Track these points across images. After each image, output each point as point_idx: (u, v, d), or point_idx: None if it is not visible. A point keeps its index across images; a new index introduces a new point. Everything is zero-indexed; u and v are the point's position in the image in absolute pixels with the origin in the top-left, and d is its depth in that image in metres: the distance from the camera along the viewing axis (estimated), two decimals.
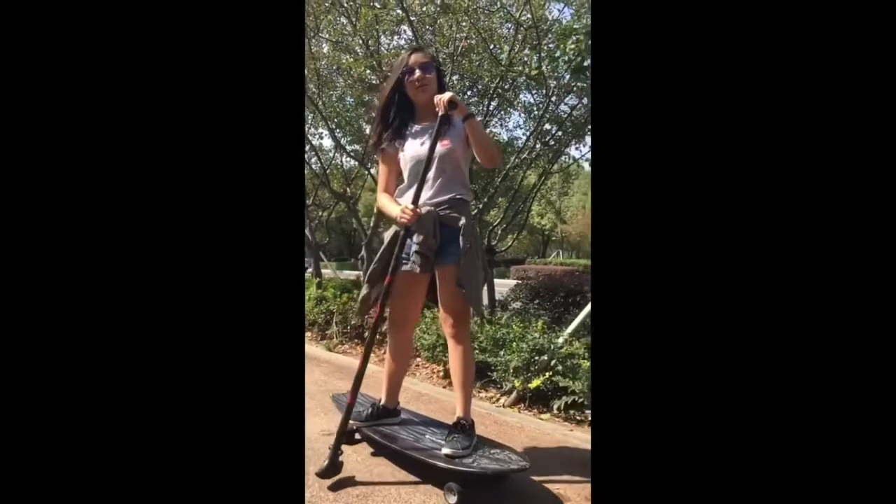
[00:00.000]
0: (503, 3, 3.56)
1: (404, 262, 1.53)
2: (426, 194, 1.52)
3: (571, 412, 2.15)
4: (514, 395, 2.34)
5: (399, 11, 3.43)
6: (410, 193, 1.53)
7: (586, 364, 2.15)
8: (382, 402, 1.71)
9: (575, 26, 3.02)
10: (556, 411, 2.17)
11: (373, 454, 1.66)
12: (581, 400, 2.11)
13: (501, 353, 2.44)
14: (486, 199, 4.15)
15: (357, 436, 1.70)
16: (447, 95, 1.44)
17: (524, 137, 4.56)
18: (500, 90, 3.82)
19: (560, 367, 2.23)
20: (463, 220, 1.51)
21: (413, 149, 1.56)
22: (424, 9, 3.51)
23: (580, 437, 1.92)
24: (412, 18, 3.43)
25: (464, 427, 1.48)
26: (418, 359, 3.08)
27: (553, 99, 4.03)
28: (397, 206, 1.53)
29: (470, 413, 1.52)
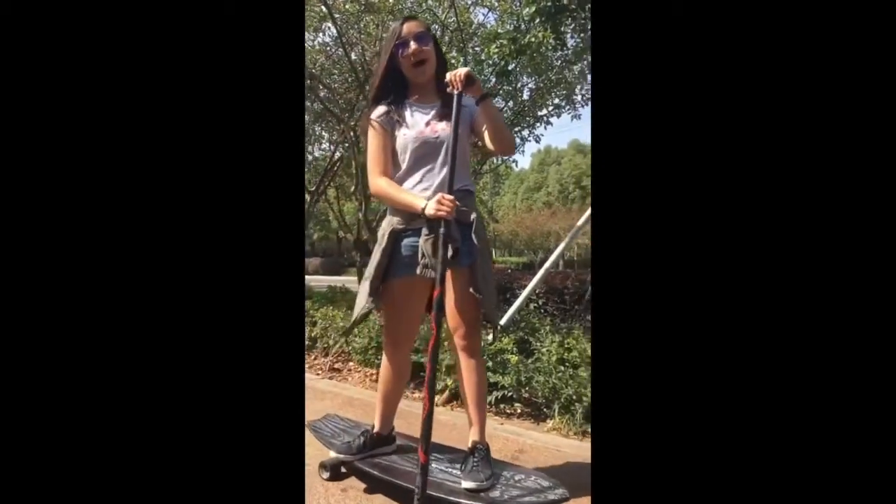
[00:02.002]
0: (429, 6, 3.58)
1: (407, 264, 1.29)
2: (432, 184, 1.27)
3: (502, 406, 2.21)
4: (446, 393, 2.36)
5: (322, 8, 3.34)
6: (413, 181, 1.30)
7: (515, 359, 2.22)
8: (375, 428, 1.46)
9: (499, 31, 3.11)
10: (487, 406, 2.22)
11: (367, 491, 1.39)
12: (510, 394, 2.17)
13: None
14: None
15: (343, 469, 1.45)
16: (463, 71, 1.20)
17: None
18: None
19: (490, 363, 2.28)
20: (474, 215, 1.30)
21: (418, 128, 1.31)
22: (349, 6, 3.45)
23: (510, 430, 1.98)
24: (336, 16, 3.36)
25: (482, 453, 1.27)
26: (350, 363, 3.02)
27: None
28: (417, 195, 1.26)
29: (485, 436, 1.32)
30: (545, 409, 2.11)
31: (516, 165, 5.64)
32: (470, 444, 1.31)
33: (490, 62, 3.13)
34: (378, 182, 1.32)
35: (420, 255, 1.25)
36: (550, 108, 4.47)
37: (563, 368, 2.12)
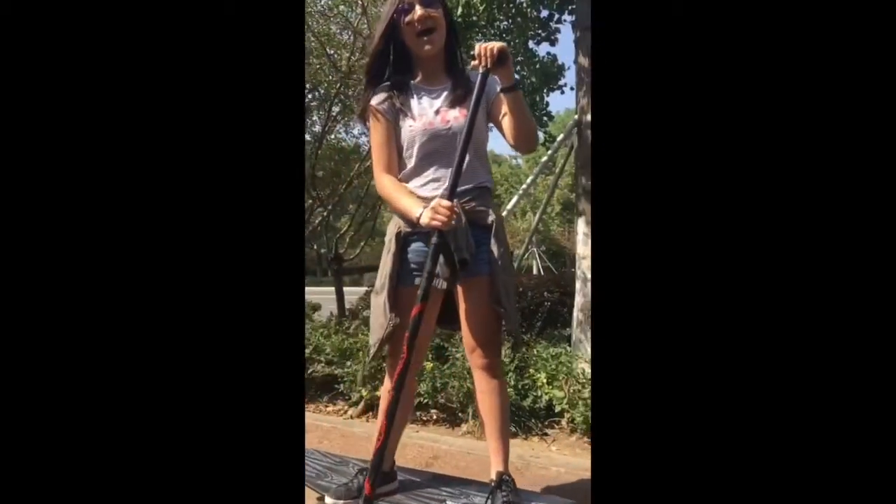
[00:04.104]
0: (341, 11, 3.53)
1: (416, 273, 1.12)
2: (444, 183, 1.08)
3: (418, 413, 2.22)
4: (361, 405, 2.33)
5: None
6: (422, 181, 1.12)
7: (430, 365, 2.24)
8: None
9: None
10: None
11: None
12: (426, 401, 2.19)
13: (349, 363, 2.41)
14: (330, 206, 4.07)
15: None
16: (497, 44, 0.99)
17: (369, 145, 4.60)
18: (342, 96, 3.78)
19: None
20: (492, 217, 1.13)
21: (426, 118, 1.11)
22: None
23: (425, 437, 1.99)
24: None
25: (510, 485, 1.13)
26: None
27: None
28: (417, 200, 1.09)
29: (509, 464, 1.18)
30: (460, 414, 2.15)
31: None
32: (494, 476, 1.16)
33: None
34: (382, 181, 1.14)
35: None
36: None
37: None
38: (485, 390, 1.18)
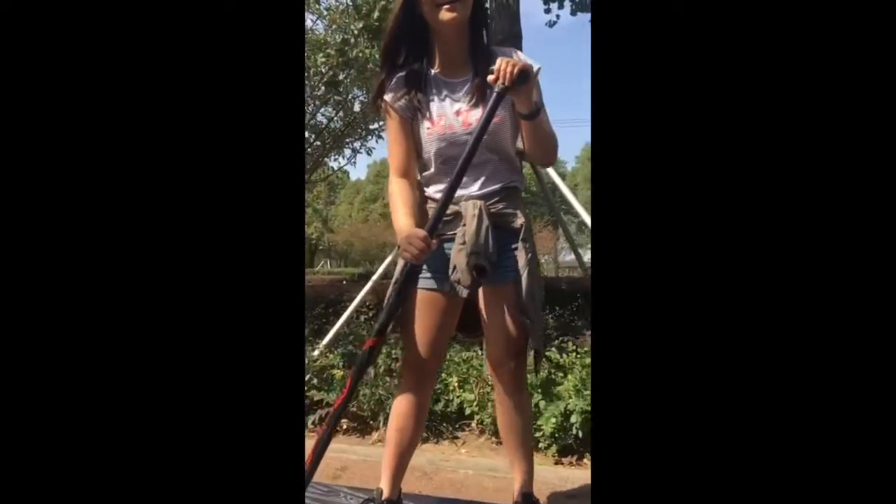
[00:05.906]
0: None
1: (424, 277, 1.03)
2: (467, 191, 1.01)
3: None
4: None
5: None
6: (442, 186, 1.00)
7: (340, 373, 2.18)
8: (384, 494, 1.12)
9: (327, 39, 3.07)
10: (311, 426, 2.13)
11: None
12: None
13: None
14: None
15: None
16: (520, 63, 0.90)
17: None
18: None
19: (315, 381, 2.21)
20: (521, 220, 1.04)
21: (445, 119, 1.01)
22: None
23: (334, 448, 1.92)
24: None
25: None
26: None
27: (309, 108, 4.00)
28: (409, 223, 0.98)
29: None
30: (370, 422, 2.12)
31: (349, 176, 5.66)
32: (518, 497, 1.09)
33: (317, 70, 3.06)
34: (390, 185, 1.05)
35: (451, 268, 1.00)
36: (381, 123, 4.58)
37: (388, 379, 2.16)
38: (510, 406, 1.10)
